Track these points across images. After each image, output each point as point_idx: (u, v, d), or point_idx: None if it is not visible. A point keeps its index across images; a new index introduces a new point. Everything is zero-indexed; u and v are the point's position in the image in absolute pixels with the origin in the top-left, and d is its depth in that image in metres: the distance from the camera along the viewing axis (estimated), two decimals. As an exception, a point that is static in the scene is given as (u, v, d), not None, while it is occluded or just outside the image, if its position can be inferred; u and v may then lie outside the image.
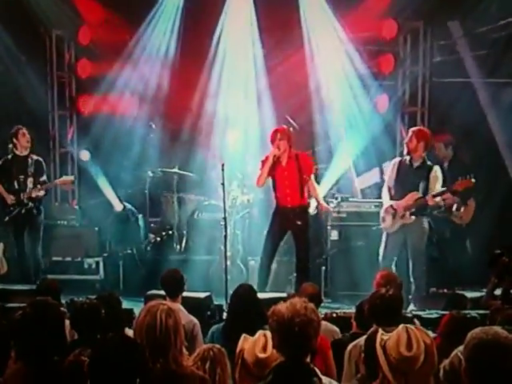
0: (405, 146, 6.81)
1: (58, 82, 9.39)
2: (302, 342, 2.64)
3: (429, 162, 6.76)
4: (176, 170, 8.49)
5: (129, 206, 8.74)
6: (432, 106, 8.74)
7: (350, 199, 8.03)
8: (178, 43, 8.94)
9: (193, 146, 8.83)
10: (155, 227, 8.81)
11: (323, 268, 7.71)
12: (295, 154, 6.74)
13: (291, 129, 7.09)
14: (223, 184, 6.60)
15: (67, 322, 3.99)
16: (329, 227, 7.92)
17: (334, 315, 5.60)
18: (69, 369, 2.95)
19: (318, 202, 6.97)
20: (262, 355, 2.98)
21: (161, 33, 8.96)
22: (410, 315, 4.72)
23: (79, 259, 8.16)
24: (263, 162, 6.70)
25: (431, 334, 3.07)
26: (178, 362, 2.88)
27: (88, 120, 9.28)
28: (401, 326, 3.03)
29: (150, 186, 8.56)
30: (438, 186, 6.69)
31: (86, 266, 8.13)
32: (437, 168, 6.79)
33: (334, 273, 7.67)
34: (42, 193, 7.43)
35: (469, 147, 8.01)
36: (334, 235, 7.90)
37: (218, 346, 3.36)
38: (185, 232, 8.42)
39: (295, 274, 6.88)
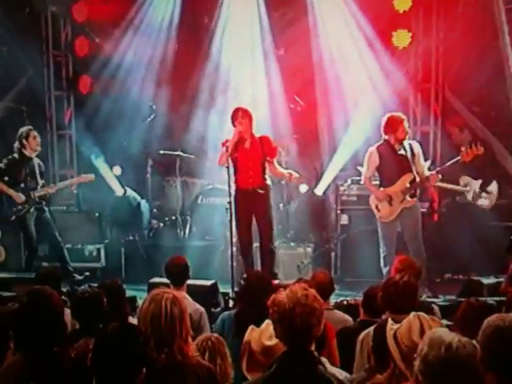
0: (389, 136, 6.64)
1: (54, 62, 9.37)
2: (305, 332, 2.64)
3: (404, 142, 6.75)
4: (179, 152, 8.49)
5: (130, 190, 8.76)
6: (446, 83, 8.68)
7: (361, 182, 8.02)
8: (180, 15, 8.89)
9: (196, 126, 8.81)
10: (158, 213, 8.82)
11: (333, 254, 7.72)
12: (258, 137, 6.81)
13: (298, 108, 7.07)
14: (228, 167, 6.60)
15: (68, 311, 4.03)
16: (338, 211, 7.92)
17: (345, 303, 5.61)
18: (74, 360, 2.97)
19: (286, 176, 6.99)
20: (268, 343, 2.99)
21: (162, 4, 8.90)
22: (427, 302, 4.71)
23: (79, 246, 8.19)
24: (223, 144, 6.73)
25: (446, 322, 3.08)
26: (183, 352, 2.89)
27: (86, 101, 9.27)
28: (412, 313, 3.03)
29: (152, 170, 8.56)
30: (421, 159, 6.73)
31: (86, 253, 8.16)
32: (413, 142, 6.85)
33: (344, 259, 7.68)
34: (54, 190, 7.57)
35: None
36: (343, 219, 7.90)
37: (215, 335, 3.39)
38: (188, 217, 8.44)
39: (260, 260, 6.89)
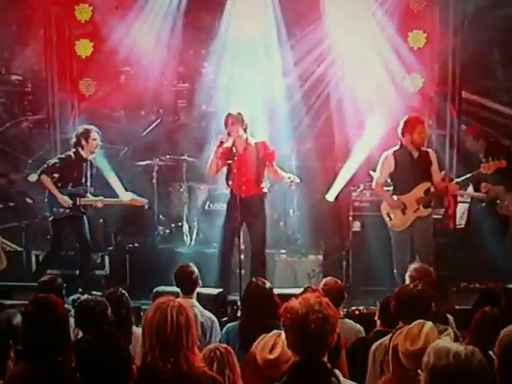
0: (407, 138, 6.65)
1: (57, 63, 9.42)
2: (319, 340, 2.66)
3: (422, 148, 6.76)
4: (185, 157, 8.52)
5: (135, 196, 8.78)
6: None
7: (373, 187, 8.01)
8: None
9: (203, 130, 8.85)
10: (164, 219, 8.85)
11: (344, 262, 7.72)
12: (254, 143, 6.85)
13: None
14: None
15: (72, 320, 4.06)
16: (350, 218, 7.93)
17: (357, 312, 5.61)
18: (74, 370, 3.00)
19: (286, 180, 7.08)
20: (269, 356, 3.02)
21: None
22: (442, 312, 4.72)
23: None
24: (216, 151, 6.77)
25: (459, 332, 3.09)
26: (189, 362, 2.91)
27: (91, 104, 9.32)
28: (417, 321, 3.05)
29: (158, 175, 8.60)
30: (437, 167, 6.75)
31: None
32: (430, 150, 6.87)
33: (357, 267, 7.67)
34: (100, 205, 7.40)
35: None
36: (356, 226, 7.89)
37: (223, 345, 3.40)
38: (195, 223, 8.46)
39: (250, 270, 6.91)
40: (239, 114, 6.81)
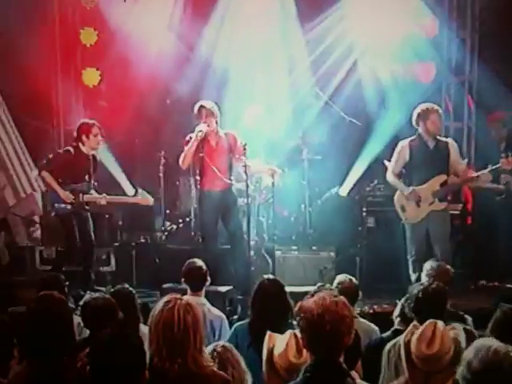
0: (421, 127, 6.63)
1: (61, 51, 9.44)
2: (335, 341, 2.67)
3: (439, 137, 6.73)
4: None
5: (141, 190, 8.80)
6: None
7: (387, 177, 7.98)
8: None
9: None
10: (171, 214, 8.87)
11: (358, 259, 7.72)
12: (224, 133, 6.86)
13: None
14: (245, 166, 6.64)
15: (77, 318, 4.08)
16: (364, 213, 7.91)
17: (371, 311, 5.61)
18: (79, 370, 3.01)
19: (264, 170, 7.11)
20: (296, 361, 3.00)
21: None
22: (459, 311, 4.71)
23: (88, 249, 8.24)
24: (186, 142, 6.78)
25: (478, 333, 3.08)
26: (197, 362, 2.91)
27: (96, 94, 9.34)
28: (429, 321, 3.04)
29: (165, 169, 8.61)
30: (459, 159, 6.73)
31: (95, 256, 8.22)
32: (450, 140, 6.83)
33: (371, 264, 7.66)
34: (103, 202, 7.35)
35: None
36: (370, 222, 7.88)
37: (221, 343, 3.40)
38: (204, 219, 8.47)
39: (233, 268, 6.93)
40: (213, 105, 6.83)
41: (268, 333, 3.25)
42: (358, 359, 3.92)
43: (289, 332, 3.14)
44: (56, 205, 7.24)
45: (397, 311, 4.33)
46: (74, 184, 7.23)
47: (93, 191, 7.34)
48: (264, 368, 3.16)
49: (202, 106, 6.77)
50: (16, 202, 9.05)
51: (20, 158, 9.17)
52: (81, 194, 7.25)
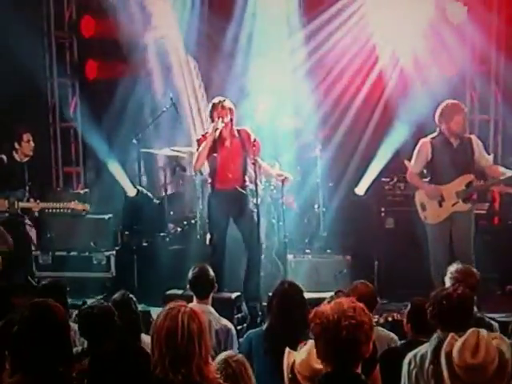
0: (444, 126, 6.62)
1: (56, 44, 9.48)
2: (351, 349, 2.66)
3: (464, 135, 6.73)
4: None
5: (144, 190, 8.83)
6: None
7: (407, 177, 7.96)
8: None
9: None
10: (175, 216, 8.89)
11: (376, 262, 7.71)
12: (237, 131, 6.87)
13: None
14: (254, 164, 6.64)
15: (74, 327, 4.09)
16: (383, 214, 7.90)
17: (390, 319, 5.60)
18: (75, 380, 3.03)
19: (276, 176, 7.12)
20: (319, 366, 2.99)
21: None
22: (485, 319, 4.69)
23: (87, 254, 8.29)
24: (200, 141, 6.80)
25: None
26: (202, 373, 2.92)
27: (94, 88, 9.37)
28: (471, 329, 3.02)
29: (169, 167, 8.62)
30: (484, 155, 6.70)
31: (94, 261, 8.26)
32: (473, 137, 6.83)
33: (389, 268, 7.65)
34: (37, 209, 7.59)
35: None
36: (389, 223, 7.88)
37: (235, 356, 3.40)
38: (210, 221, 8.48)
39: (245, 273, 6.93)
40: (229, 101, 6.85)
41: (287, 350, 3.25)
42: (373, 370, 3.91)
43: (310, 341, 3.14)
44: None
45: (407, 323, 4.32)
46: (9, 191, 7.46)
47: (31, 199, 7.54)
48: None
49: (217, 103, 6.77)
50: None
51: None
52: (16, 202, 7.47)
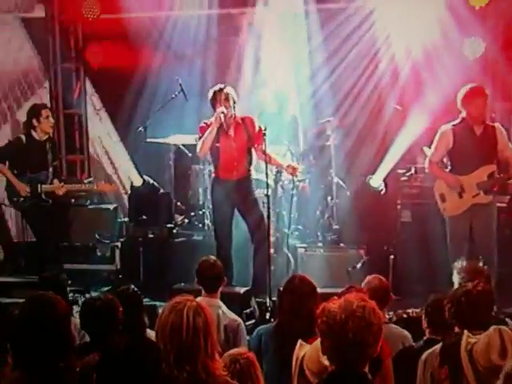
0: (463, 109, 6.59)
1: (60, 28, 9.49)
2: (357, 350, 2.65)
3: (488, 123, 6.69)
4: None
5: (150, 180, 8.85)
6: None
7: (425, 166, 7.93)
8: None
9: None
10: (182, 206, 8.90)
11: (391, 257, 7.69)
12: (241, 118, 6.88)
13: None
14: (265, 153, 6.64)
15: (75, 321, 4.11)
16: (399, 206, 7.87)
17: (405, 316, 5.60)
18: (79, 375, 3.04)
19: (283, 167, 7.11)
20: (328, 363, 3.00)
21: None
22: (500, 317, 4.69)
23: (90, 245, 8.32)
24: (203, 129, 6.81)
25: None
26: (208, 370, 2.92)
27: (99, 74, 9.38)
28: (492, 327, 3.01)
29: (176, 157, 8.63)
30: (507, 144, 6.66)
31: (98, 253, 8.29)
32: (498, 125, 6.77)
33: (406, 263, 7.63)
34: (62, 192, 7.45)
35: None
36: (405, 216, 7.85)
37: (245, 353, 3.41)
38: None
39: (252, 266, 6.95)
40: (231, 89, 6.87)
41: (299, 342, 3.25)
42: (380, 368, 3.91)
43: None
44: (14, 198, 7.36)
45: (424, 321, 4.32)
46: (30, 174, 7.31)
47: (55, 180, 7.43)
48: (294, 377, 3.17)
49: (218, 90, 6.79)
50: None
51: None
52: (39, 185, 7.32)
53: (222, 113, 6.69)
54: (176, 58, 9.11)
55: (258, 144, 6.79)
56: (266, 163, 6.66)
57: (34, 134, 7.35)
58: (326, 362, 2.97)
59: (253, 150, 6.94)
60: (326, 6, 8.86)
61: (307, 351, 3.17)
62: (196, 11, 9.10)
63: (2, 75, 9.34)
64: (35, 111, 7.37)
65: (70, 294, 6.44)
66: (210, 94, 6.85)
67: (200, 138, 6.87)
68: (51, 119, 7.43)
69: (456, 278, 4.75)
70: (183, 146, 8.52)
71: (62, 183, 7.49)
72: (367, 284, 4.77)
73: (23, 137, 7.38)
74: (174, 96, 8.38)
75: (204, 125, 6.86)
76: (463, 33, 8.41)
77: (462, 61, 8.38)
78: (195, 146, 7.11)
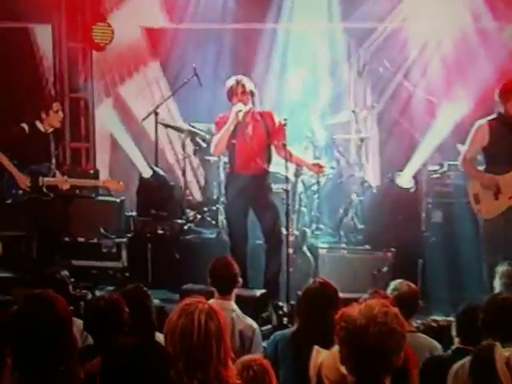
0: (500, 105, 6.57)
1: (66, 5, 9.51)
2: (378, 359, 2.63)
3: None
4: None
5: (160, 172, 8.87)
6: None
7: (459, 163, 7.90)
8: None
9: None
10: (195, 200, 8.91)
11: (420, 261, 7.68)
12: (259, 113, 6.89)
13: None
14: (285, 145, 6.63)
15: (77, 322, 4.12)
16: (429, 205, 7.84)
17: (434, 325, 5.59)
18: (85, 381, 3.05)
19: (307, 165, 7.17)
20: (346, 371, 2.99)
21: None
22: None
23: (95, 241, 8.35)
24: (219, 124, 6.83)
25: None
26: (221, 377, 2.92)
27: (107, 56, 9.40)
28: None
29: (188, 146, 8.64)
30: None
31: (104, 249, 8.32)
32: None
33: (436, 267, 7.61)
34: (66, 186, 7.52)
35: None
36: (436, 216, 7.84)
37: (258, 360, 3.41)
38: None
39: (265, 268, 6.95)
40: (250, 81, 6.87)
41: (315, 347, 3.24)
42: (407, 380, 3.90)
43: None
44: (13, 190, 7.40)
45: (454, 329, 4.30)
46: (33, 166, 7.38)
47: (58, 174, 7.50)
48: None
49: (236, 82, 6.79)
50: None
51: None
52: (41, 178, 7.38)
53: (240, 111, 6.69)
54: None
55: (278, 140, 6.78)
56: (286, 157, 6.66)
57: (39, 125, 7.46)
58: (345, 371, 2.97)
59: (271, 147, 6.94)
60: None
61: (325, 358, 3.16)
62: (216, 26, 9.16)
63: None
64: (46, 106, 7.50)
65: (77, 290, 6.48)
66: (227, 85, 6.85)
67: (215, 133, 6.88)
68: (60, 113, 7.57)
69: (497, 283, 4.74)
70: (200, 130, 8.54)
71: (66, 177, 7.55)
72: (394, 290, 4.76)
73: (26, 126, 7.43)
74: (186, 81, 8.39)
75: (219, 119, 6.87)
76: (501, 20, 8.39)
77: (501, 50, 8.35)
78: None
